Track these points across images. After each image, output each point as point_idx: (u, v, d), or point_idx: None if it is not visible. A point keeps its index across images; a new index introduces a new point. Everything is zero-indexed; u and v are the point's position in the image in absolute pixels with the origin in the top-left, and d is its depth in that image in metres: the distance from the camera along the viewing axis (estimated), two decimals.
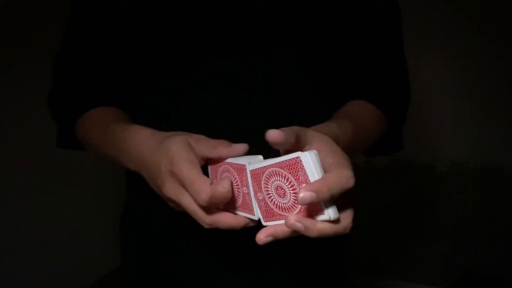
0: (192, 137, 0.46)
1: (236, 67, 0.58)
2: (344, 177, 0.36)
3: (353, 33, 0.62)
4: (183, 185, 0.42)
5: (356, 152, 0.58)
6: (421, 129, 1.99)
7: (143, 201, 0.65)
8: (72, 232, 2.01)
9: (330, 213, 0.37)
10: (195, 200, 0.41)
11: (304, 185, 0.37)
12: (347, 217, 0.39)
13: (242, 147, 0.44)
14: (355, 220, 0.40)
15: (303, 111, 0.60)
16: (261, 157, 0.44)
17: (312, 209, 0.39)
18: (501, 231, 1.93)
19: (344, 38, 0.62)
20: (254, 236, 0.60)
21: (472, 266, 1.99)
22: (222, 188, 0.40)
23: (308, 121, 0.50)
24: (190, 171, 0.41)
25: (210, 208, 0.43)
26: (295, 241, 0.61)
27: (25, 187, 1.78)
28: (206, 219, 0.42)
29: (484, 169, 1.94)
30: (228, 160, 0.45)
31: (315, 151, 0.38)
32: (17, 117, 1.72)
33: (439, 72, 1.96)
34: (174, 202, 0.45)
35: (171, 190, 0.43)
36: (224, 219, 0.43)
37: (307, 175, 0.37)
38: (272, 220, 0.42)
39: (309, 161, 0.37)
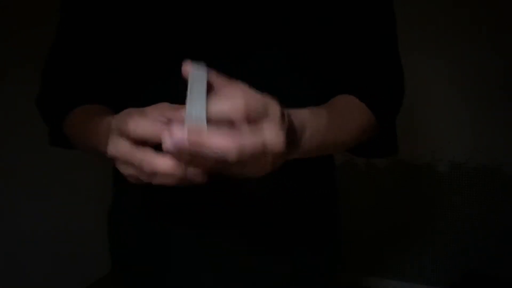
0: (149, 107, 0.42)
1: (225, 68, 0.58)
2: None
3: (342, 30, 0.61)
4: (119, 131, 0.39)
5: (338, 144, 0.55)
6: (421, 129, 1.99)
7: (129, 194, 0.67)
8: (68, 235, 2.01)
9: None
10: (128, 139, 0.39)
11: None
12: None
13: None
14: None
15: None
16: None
17: None
18: (501, 231, 1.93)
19: (333, 36, 0.61)
20: (247, 225, 0.61)
21: (472, 266, 1.99)
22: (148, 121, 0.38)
23: None
24: (125, 116, 0.40)
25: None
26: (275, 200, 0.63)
27: (20, 189, 1.79)
28: (143, 161, 0.38)
29: (484, 169, 1.93)
30: None
31: (202, 71, 0.38)
32: (11, 118, 1.73)
33: (439, 72, 1.95)
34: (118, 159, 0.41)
35: (111, 145, 0.40)
36: (161, 159, 0.37)
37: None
38: None
39: (191, 76, 0.37)
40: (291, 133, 0.40)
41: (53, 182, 1.92)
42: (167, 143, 0.34)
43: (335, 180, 0.73)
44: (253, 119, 0.36)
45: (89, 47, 0.64)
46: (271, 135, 0.36)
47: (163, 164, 0.37)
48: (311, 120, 0.47)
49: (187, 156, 0.35)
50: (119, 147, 0.39)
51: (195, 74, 0.39)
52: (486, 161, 1.93)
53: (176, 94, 0.59)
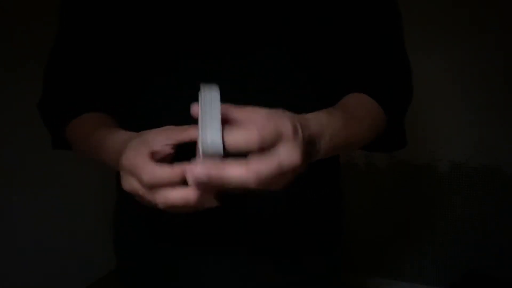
0: (153, 131, 0.45)
1: (227, 66, 0.58)
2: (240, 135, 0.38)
3: (346, 28, 0.61)
4: (132, 174, 0.42)
5: (353, 144, 0.56)
6: (421, 129, 1.99)
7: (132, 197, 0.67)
8: (68, 235, 2.01)
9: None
10: (141, 185, 0.41)
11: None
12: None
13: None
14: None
15: (298, 110, 0.60)
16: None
17: None
18: (501, 231, 1.93)
19: (338, 34, 0.61)
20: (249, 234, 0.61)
21: (472, 266, 1.99)
22: (163, 168, 0.39)
23: None
24: (134, 158, 0.41)
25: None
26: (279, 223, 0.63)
27: (20, 189, 1.79)
28: (157, 199, 0.40)
29: (484, 169, 1.93)
30: None
31: (214, 92, 0.39)
32: (11, 118, 1.73)
33: (439, 72, 1.95)
34: (132, 194, 0.44)
35: (125, 183, 0.43)
36: (174, 193, 0.40)
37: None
38: None
39: (203, 97, 0.38)
40: (308, 143, 0.42)
41: (53, 182, 1.92)
42: (189, 180, 0.37)
43: (339, 180, 0.73)
44: (267, 146, 0.38)
45: (89, 49, 0.64)
46: (286, 155, 0.39)
47: (177, 198, 0.39)
48: (329, 123, 0.48)
49: (209, 186, 0.38)
50: (133, 185, 0.42)
51: (207, 95, 0.39)
52: (486, 161, 1.93)
53: (177, 92, 0.59)
